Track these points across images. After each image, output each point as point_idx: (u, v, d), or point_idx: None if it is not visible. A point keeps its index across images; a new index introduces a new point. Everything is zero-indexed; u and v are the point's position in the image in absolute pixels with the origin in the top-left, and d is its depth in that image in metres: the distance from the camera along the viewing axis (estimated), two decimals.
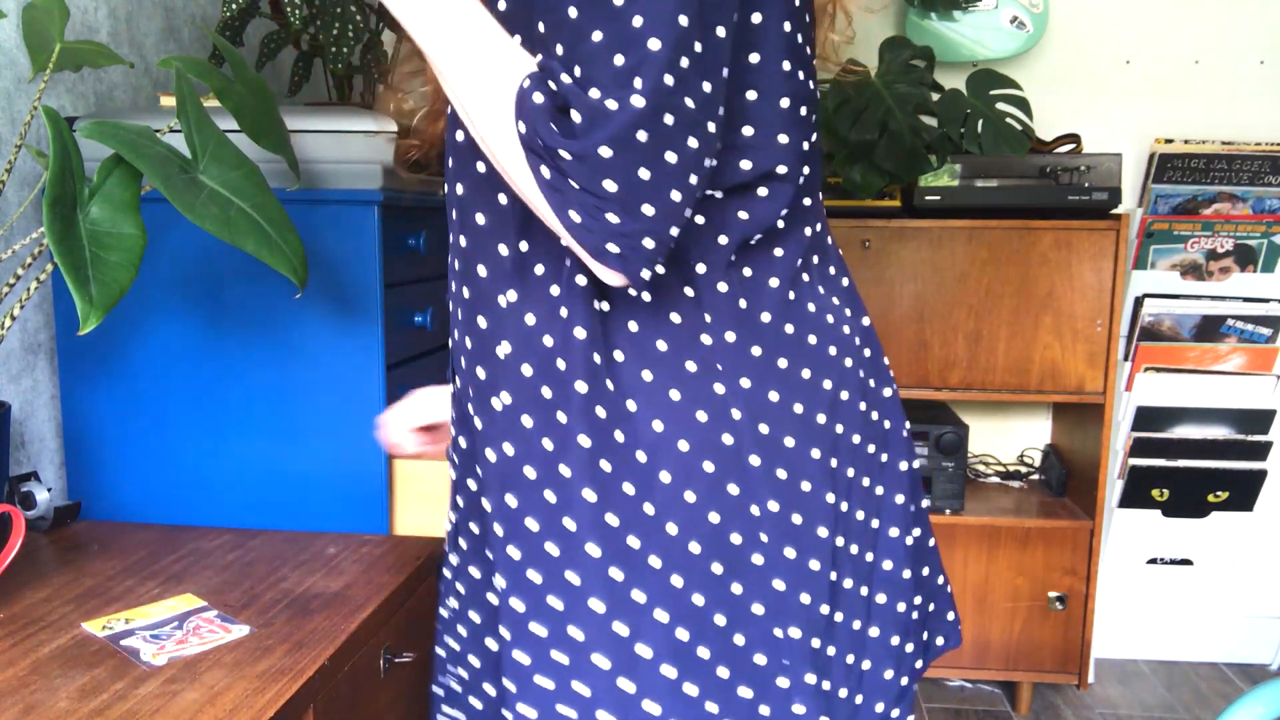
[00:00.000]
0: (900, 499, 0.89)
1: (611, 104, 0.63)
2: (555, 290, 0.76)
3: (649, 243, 0.67)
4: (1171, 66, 2.41)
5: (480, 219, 0.79)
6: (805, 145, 0.80)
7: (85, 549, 1.22)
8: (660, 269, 0.76)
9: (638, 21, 0.63)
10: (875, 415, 0.87)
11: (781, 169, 0.78)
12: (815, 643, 0.80)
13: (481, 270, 0.79)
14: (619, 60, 0.63)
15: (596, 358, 0.75)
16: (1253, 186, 2.33)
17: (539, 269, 0.77)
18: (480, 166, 0.78)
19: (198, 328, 1.32)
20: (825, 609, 0.81)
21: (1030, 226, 2.10)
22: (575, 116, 0.64)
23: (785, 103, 0.77)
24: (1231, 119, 2.41)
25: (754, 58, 0.74)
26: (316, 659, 0.93)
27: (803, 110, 0.78)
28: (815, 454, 0.80)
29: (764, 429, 0.77)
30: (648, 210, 0.66)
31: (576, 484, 0.75)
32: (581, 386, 0.75)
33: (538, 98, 0.65)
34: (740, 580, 0.76)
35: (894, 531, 0.89)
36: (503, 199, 0.77)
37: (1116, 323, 2.11)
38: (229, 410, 1.32)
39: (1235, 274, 2.30)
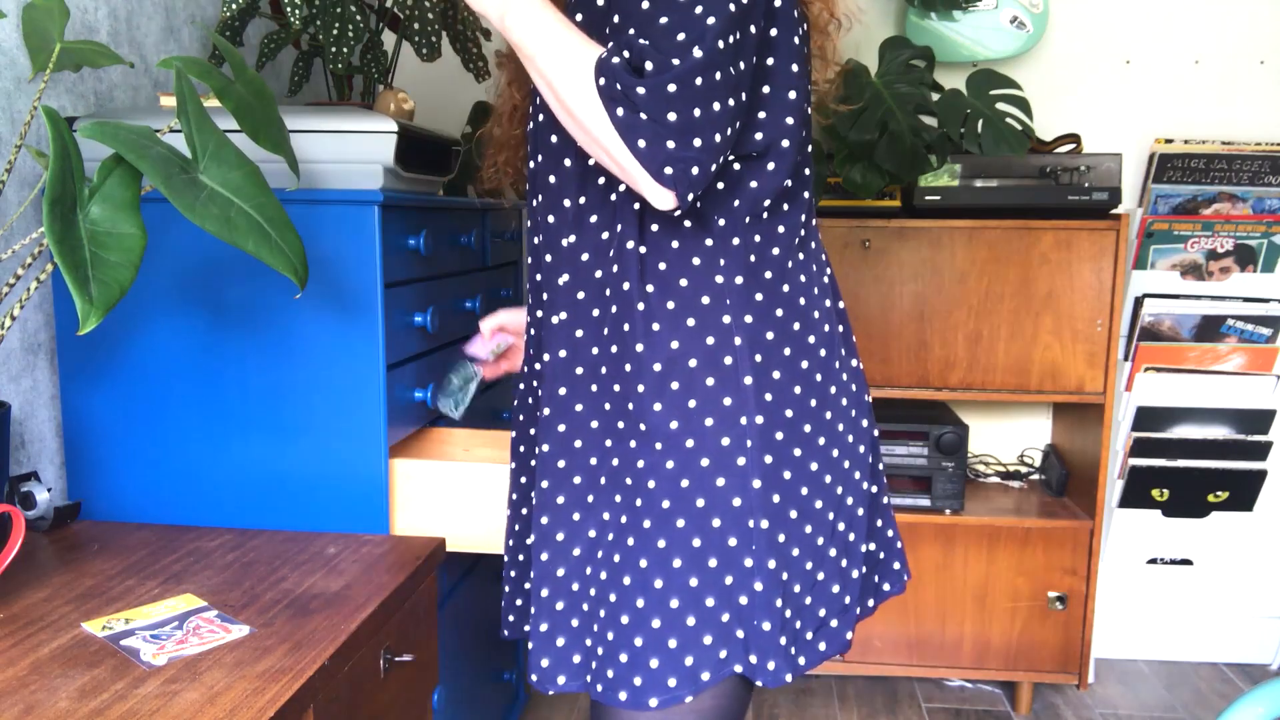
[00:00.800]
0: (863, 449, 1.08)
1: (676, 59, 0.85)
2: (605, 235, 1.00)
3: (695, 170, 0.87)
4: (1171, 66, 2.41)
5: (551, 179, 1.03)
6: (804, 134, 1.01)
7: (85, 549, 1.22)
8: (688, 222, 0.97)
9: (698, 9, 0.86)
10: (845, 377, 1.06)
11: (785, 143, 0.97)
12: (780, 537, 0.98)
13: (550, 219, 1.03)
14: (680, 35, 0.86)
15: (626, 285, 0.97)
16: (1253, 186, 2.33)
17: (593, 218, 1.00)
18: (553, 138, 1.02)
19: (198, 328, 1.32)
20: (794, 513, 0.99)
21: (1030, 226, 2.10)
22: (648, 65, 0.85)
23: (792, 95, 0.98)
24: (1231, 119, 2.41)
25: (770, 60, 0.96)
26: (316, 659, 0.93)
27: (806, 106, 1.00)
28: (797, 390, 1.00)
29: (758, 358, 0.97)
30: (697, 141, 0.86)
31: (608, 381, 1.00)
32: (613, 308, 0.99)
33: (615, 60, 0.86)
34: (724, 476, 0.96)
35: (857, 474, 1.06)
36: (568, 162, 1.01)
37: (1116, 323, 2.11)
38: (229, 410, 1.32)
39: (1235, 274, 2.30)
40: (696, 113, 0.86)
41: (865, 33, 2.40)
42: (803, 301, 1.01)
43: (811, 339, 1.01)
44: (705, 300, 0.97)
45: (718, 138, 0.88)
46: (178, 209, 0.96)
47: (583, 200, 1.01)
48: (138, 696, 0.85)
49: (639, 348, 0.97)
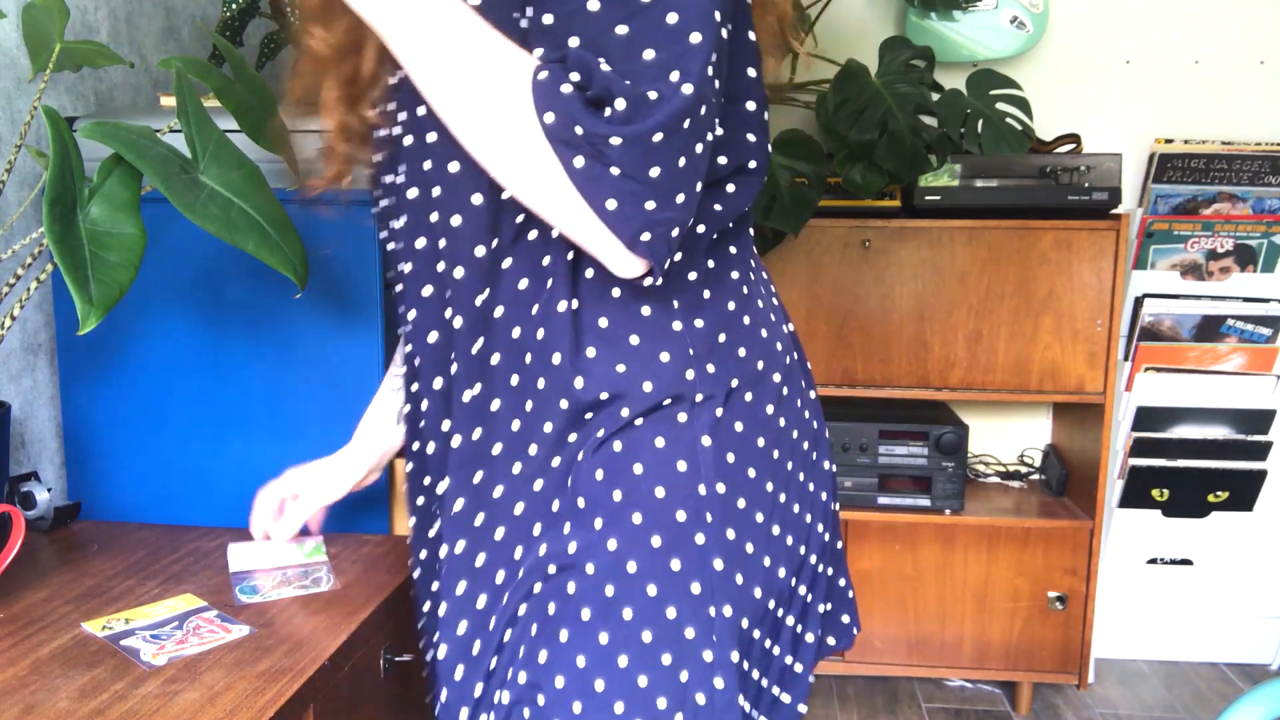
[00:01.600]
0: (824, 496, 0.93)
1: (653, 94, 0.65)
2: (524, 284, 0.79)
3: (676, 231, 0.70)
4: (1171, 66, 2.41)
5: (456, 221, 0.79)
6: (767, 146, 0.83)
7: (85, 549, 1.22)
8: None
9: (673, 18, 0.65)
10: (807, 414, 0.91)
11: (752, 164, 0.81)
12: (744, 623, 0.82)
13: (458, 272, 0.80)
14: (650, 55, 0.65)
15: (556, 358, 0.77)
16: (1253, 186, 2.33)
17: (506, 263, 0.79)
18: (453, 167, 0.78)
19: (198, 327, 1.32)
20: (758, 592, 0.83)
21: (1030, 226, 2.10)
22: (618, 104, 0.65)
23: (751, 106, 0.80)
24: (1231, 119, 2.41)
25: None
26: (316, 659, 0.93)
27: (765, 115, 0.82)
28: (760, 443, 0.83)
29: (719, 412, 0.80)
30: (680, 199, 0.68)
31: (543, 460, 0.79)
32: (542, 383, 0.78)
33: (565, 88, 0.66)
34: (680, 557, 0.78)
35: (820, 527, 0.91)
36: (477, 199, 0.77)
37: (1116, 323, 2.11)
38: (229, 410, 1.32)
39: (1235, 274, 2.30)
40: (682, 162, 0.67)
41: (865, 33, 2.40)
42: (764, 333, 0.85)
43: (776, 377, 0.86)
44: (664, 357, 0.78)
45: (699, 186, 0.70)
46: (178, 209, 0.96)
47: (495, 244, 0.78)
48: (138, 696, 0.85)
49: (588, 417, 0.78)
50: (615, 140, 0.65)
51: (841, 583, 0.99)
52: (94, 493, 1.36)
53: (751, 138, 0.80)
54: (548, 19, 0.69)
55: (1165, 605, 2.50)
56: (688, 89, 0.65)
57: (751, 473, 0.82)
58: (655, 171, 0.66)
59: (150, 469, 1.35)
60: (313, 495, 1.13)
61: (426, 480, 0.90)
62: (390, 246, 0.87)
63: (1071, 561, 2.19)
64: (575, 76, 0.66)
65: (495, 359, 0.80)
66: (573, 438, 0.78)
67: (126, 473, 1.35)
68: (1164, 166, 2.35)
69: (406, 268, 0.85)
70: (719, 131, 0.75)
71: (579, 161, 0.66)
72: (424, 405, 0.87)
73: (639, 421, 0.77)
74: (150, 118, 1.30)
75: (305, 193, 0.97)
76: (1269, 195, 2.33)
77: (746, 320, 0.84)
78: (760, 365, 0.84)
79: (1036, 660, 2.23)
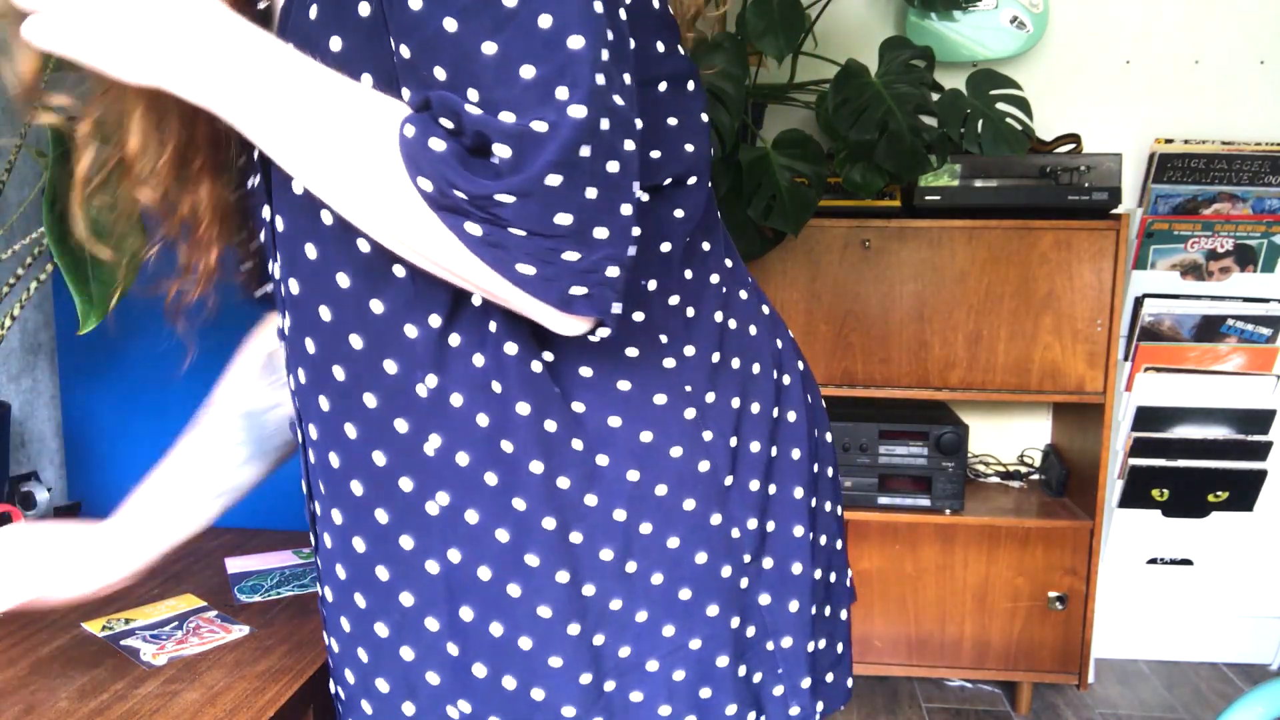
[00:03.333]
0: (828, 506, 0.86)
1: (540, 125, 0.53)
2: (480, 360, 0.65)
3: (613, 270, 0.57)
4: (1171, 66, 2.41)
5: (376, 307, 0.65)
6: (703, 119, 0.72)
7: None
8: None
9: (546, 21, 0.53)
10: (810, 398, 0.85)
11: (689, 146, 0.71)
12: (810, 646, 0.79)
13: (390, 366, 0.66)
14: (528, 71, 0.53)
15: (551, 425, 0.66)
16: (1253, 186, 2.33)
17: (454, 340, 0.65)
18: (363, 246, 0.64)
19: (198, 327, 1.32)
20: (811, 606, 0.79)
21: (1030, 226, 2.10)
22: (500, 151, 0.53)
23: (662, 87, 0.69)
24: (1231, 119, 2.41)
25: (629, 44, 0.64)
26: (316, 659, 0.93)
27: (689, 85, 0.71)
28: (774, 452, 0.78)
29: (734, 442, 0.73)
30: (601, 234, 0.56)
31: (547, 570, 0.67)
32: (537, 466, 0.66)
33: (435, 144, 0.54)
34: (737, 613, 0.73)
35: (839, 544, 0.86)
36: (398, 272, 0.64)
37: (1116, 323, 2.11)
38: None
39: (1235, 274, 2.30)
40: (591, 194, 0.54)
41: (865, 33, 2.40)
42: (753, 331, 0.78)
43: (774, 374, 0.79)
44: (659, 400, 0.69)
45: (627, 209, 0.57)
46: None
47: (435, 322, 0.65)
48: (138, 696, 0.85)
49: (589, 500, 0.67)
50: (504, 198, 0.53)
51: (844, 616, 0.89)
52: (94, 493, 1.36)
53: (673, 121, 0.69)
54: (405, 51, 0.56)
55: (1165, 605, 2.50)
56: (577, 111, 0.53)
57: (772, 490, 0.76)
58: (564, 219, 0.54)
59: (150, 469, 1.35)
60: (38, 577, 0.82)
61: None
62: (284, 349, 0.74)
63: (1071, 561, 2.19)
64: (446, 123, 0.54)
65: (462, 459, 0.66)
66: (575, 537, 0.68)
67: (126, 473, 1.35)
68: (1164, 166, 2.35)
69: (304, 375, 0.71)
70: (639, 125, 0.61)
71: (473, 229, 0.55)
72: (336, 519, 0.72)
73: (661, 490, 0.69)
74: None
75: (167, 309, 0.82)
76: (1269, 195, 2.33)
77: (733, 325, 0.76)
78: (756, 369, 0.77)
79: (1036, 660, 2.23)
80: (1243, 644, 2.51)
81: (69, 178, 0.74)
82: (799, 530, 0.79)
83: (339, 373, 0.68)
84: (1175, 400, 2.28)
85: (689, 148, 0.70)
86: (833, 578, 0.86)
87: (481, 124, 0.53)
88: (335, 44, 0.59)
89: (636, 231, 0.59)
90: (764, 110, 2.27)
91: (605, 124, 0.55)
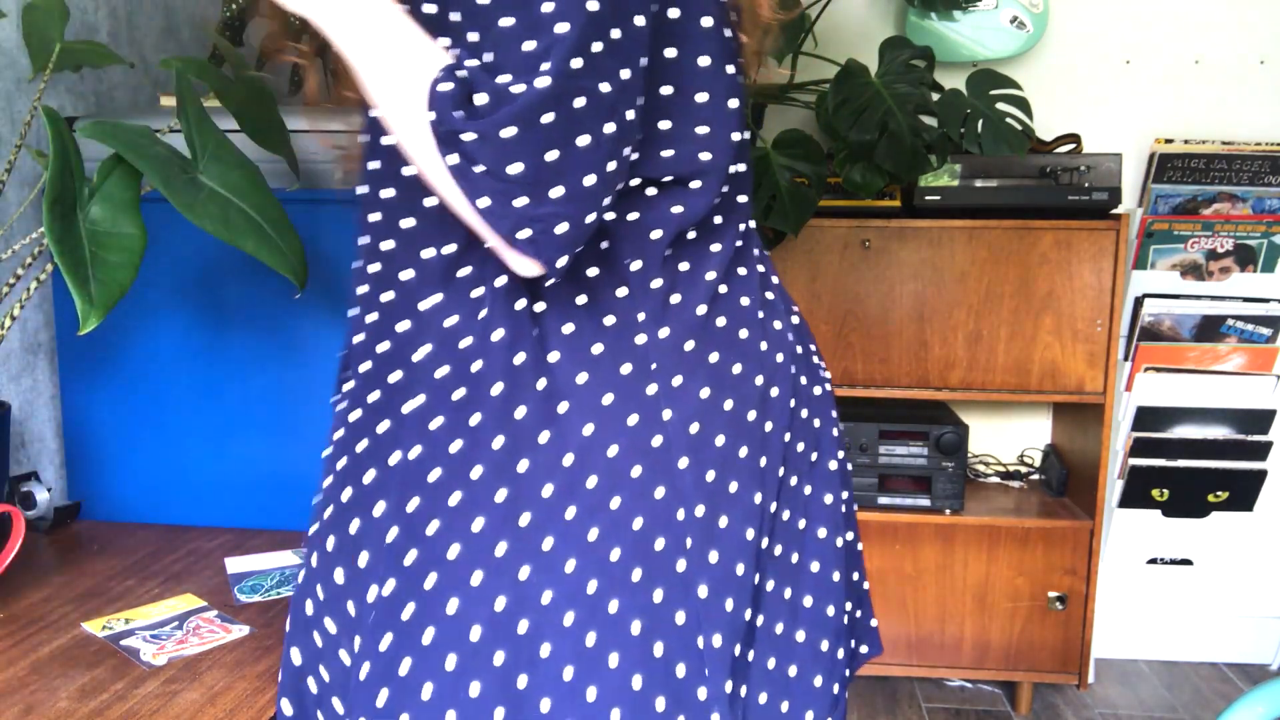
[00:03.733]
0: (829, 499, 0.88)
1: (517, 87, 0.64)
2: (479, 292, 0.76)
3: (562, 227, 0.67)
4: (1171, 66, 2.41)
5: (407, 223, 0.78)
6: (735, 137, 0.79)
7: (85, 549, 1.22)
8: (594, 270, 0.76)
9: (547, 7, 0.64)
10: (805, 413, 0.86)
11: (705, 156, 0.78)
12: (736, 649, 0.78)
13: (406, 275, 0.78)
14: (528, 46, 0.65)
15: (520, 358, 0.74)
16: (1253, 186, 2.33)
17: (464, 271, 0.76)
18: (407, 170, 0.77)
19: (197, 327, 1.32)
20: (748, 614, 0.79)
21: (1030, 226, 2.10)
22: (479, 99, 0.65)
23: (702, 97, 0.77)
24: (1231, 119, 2.41)
25: (670, 53, 0.75)
26: None
27: (731, 103, 0.79)
28: (744, 452, 0.79)
29: (694, 428, 0.76)
30: (556, 193, 0.66)
31: (488, 485, 0.73)
32: (497, 388, 0.74)
33: (445, 86, 0.66)
34: (662, 586, 0.74)
35: (822, 532, 0.87)
36: (429, 202, 0.76)
37: (1116, 323, 2.11)
38: (229, 410, 1.32)
39: (1235, 274, 2.30)
40: (553, 156, 0.65)
41: (865, 33, 2.40)
42: (744, 334, 0.81)
43: (759, 379, 0.81)
44: (625, 369, 0.75)
45: (589, 180, 0.66)
46: (177, 209, 0.96)
47: (450, 249, 0.76)
48: (138, 696, 0.85)
49: (542, 437, 0.73)
50: (468, 136, 0.65)
51: (865, 586, 0.97)
52: (94, 493, 1.36)
53: (702, 130, 0.77)
54: (454, 16, 0.70)
55: (1165, 605, 2.50)
56: (543, 82, 0.63)
57: (734, 487, 0.78)
58: (517, 168, 0.65)
59: (150, 469, 1.35)
60: None
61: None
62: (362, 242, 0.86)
63: (1071, 561, 2.19)
64: (461, 73, 0.67)
65: (441, 371, 0.76)
66: (521, 465, 0.73)
67: (126, 473, 1.35)
68: (1164, 166, 2.35)
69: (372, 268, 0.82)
70: (663, 125, 0.75)
71: (452, 159, 0.66)
72: (351, 418, 0.81)
73: (612, 451, 0.74)
74: (150, 118, 1.30)
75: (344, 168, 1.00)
76: (1269, 195, 2.33)
77: (721, 322, 0.80)
78: (738, 369, 0.80)
79: (1036, 660, 2.23)
80: (1243, 644, 2.51)
81: (70, 177, 0.78)
82: (750, 533, 0.79)
83: (374, 267, 0.81)
84: (1175, 400, 2.28)
85: (705, 156, 0.78)
86: (788, 593, 0.85)
87: (475, 75, 0.66)
88: (427, 8, 0.72)
89: (606, 202, 0.69)
90: (764, 110, 2.27)
91: (580, 102, 0.65)
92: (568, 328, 0.75)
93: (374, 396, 0.79)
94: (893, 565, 2.23)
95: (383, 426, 0.78)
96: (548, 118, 0.64)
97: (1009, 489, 2.42)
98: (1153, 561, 2.45)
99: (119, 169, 1.00)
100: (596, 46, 0.65)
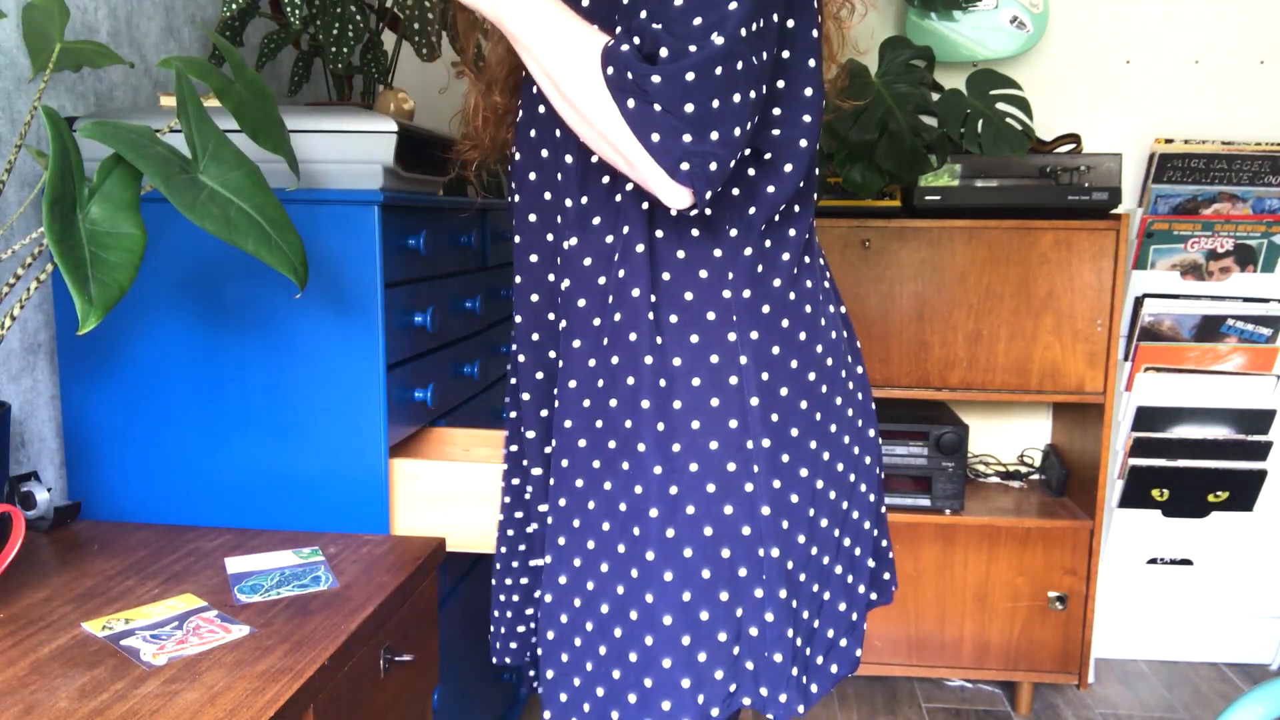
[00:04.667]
0: (869, 460, 1.04)
1: (693, 47, 0.78)
2: (610, 239, 0.94)
3: (713, 165, 0.81)
4: (1171, 66, 2.41)
5: (548, 177, 0.98)
6: (818, 131, 0.94)
7: (85, 549, 1.22)
8: (696, 231, 0.92)
9: None
10: (851, 385, 1.02)
11: (802, 142, 0.92)
12: (789, 564, 0.94)
13: (543, 219, 0.99)
14: (698, 20, 0.79)
15: (635, 293, 0.91)
16: (1253, 186, 2.33)
17: (596, 220, 0.95)
18: (556, 132, 0.96)
19: (197, 327, 1.32)
20: (802, 538, 0.95)
21: (1030, 226, 2.10)
22: (663, 52, 0.79)
23: (808, 91, 0.92)
24: (1231, 119, 2.41)
25: (786, 54, 0.90)
26: (316, 659, 0.93)
27: (822, 103, 0.94)
28: (803, 405, 0.95)
29: (765, 376, 0.92)
30: (715, 135, 0.80)
31: (603, 395, 0.94)
32: (616, 316, 0.93)
33: (624, 47, 0.80)
34: (732, 503, 0.91)
35: (863, 487, 1.03)
36: (569, 159, 0.96)
37: (1116, 323, 2.11)
38: (229, 410, 1.32)
39: (1235, 274, 2.30)
40: (715, 104, 0.79)
41: (865, 33, 2.40)
42: (809, 309, 0.96)
43: (819, 348, 0.97)
44: (710, 316, 0.92)
45: (737, 131, 0.82)
46: (178, 209, 0.96)
47: (585, 200, 0.95)
48: (138, 696, 0.85)
49: (647, 360, 0.91)
50: (655, 78, 0.78)
51: (884, 543, 1.11)
52: (94, 493, 1.36)
53: (807, 118, 0.91)
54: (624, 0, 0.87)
55: (1165, 605, 2.50)
56: (718, 39, 0.78)
57: (794, 432, 0.94)
58: (690, 107, 0.79)
59: (150, 469, 1.35)
60: None
61: (525, 463, 1.09)
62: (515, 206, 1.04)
63: (1071, 561, 2.19)
64: (636, 40, 0.81)
65: (581, 302, 0.95)
66: (631, 380, 0.92)
67: (126, 473, 1.35)
68: (1164, 166, 2.35)
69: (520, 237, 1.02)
70: (776, 111, 0.90)
71: (630, 103, 0.80)
72: (524, 395, 1.05)
73: (695, 382, 0.90)
74: (150, 118, 1.30)
75: (454, 157, 1.18)
76: (1269, 195, 2.33)
77: (792, 296, 0.95)
78: (802, 336, 0.95)
79: (1036, 660, 2.23)
80: (1243, 644, 2.52)
81: (70, 177, 0.78)
82: (804, 472, 0.95)
83: (534, 207, 1.01)
84: (1175, 400, 2.28)
85: (803, 143, 0.92)
86: (858, 550, 1.03)
87: (659, 35, 0.80)
88: (585, 3, 0.89)
89: (745, 150, 0.86)
90: None
91: (739, 65, 0.80)
92: (666, 275, 0.92)
93: (551, 326, 1.03)
94: None
95: (556, 352, 1.02)
96: (718, 70, 0.79)
97: (1009, 489, 2.42)
98: (1153, 561, 2.45)
99: (119, 169, 1.00)
100: (754, 25, 0.80)
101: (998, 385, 2.16)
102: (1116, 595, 2.50)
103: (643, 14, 0.82)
